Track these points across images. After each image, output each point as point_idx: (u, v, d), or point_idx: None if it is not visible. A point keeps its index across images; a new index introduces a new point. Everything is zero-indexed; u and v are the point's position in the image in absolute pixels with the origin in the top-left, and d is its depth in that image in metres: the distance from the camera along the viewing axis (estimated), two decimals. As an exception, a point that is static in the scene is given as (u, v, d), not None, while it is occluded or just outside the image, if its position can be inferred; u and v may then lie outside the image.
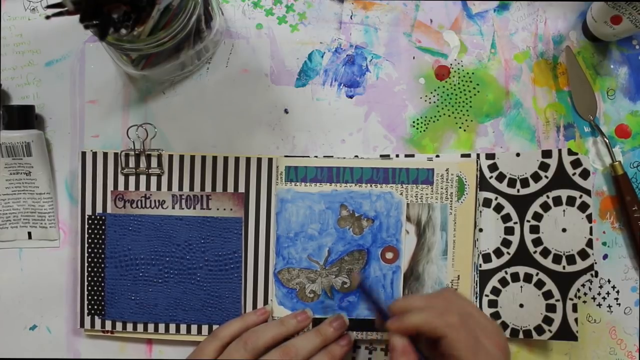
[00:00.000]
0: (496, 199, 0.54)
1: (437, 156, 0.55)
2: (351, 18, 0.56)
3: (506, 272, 0.54)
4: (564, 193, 0.53)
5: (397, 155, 0.55)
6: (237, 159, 0.54)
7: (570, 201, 0.53)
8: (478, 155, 0.55)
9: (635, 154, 0.56)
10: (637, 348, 0.56)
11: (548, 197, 0.53)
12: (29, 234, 0.56)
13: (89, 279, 0.54)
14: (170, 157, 0.54)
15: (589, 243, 0.52)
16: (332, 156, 0.55)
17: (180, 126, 0.56)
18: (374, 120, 0.56)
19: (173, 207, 0.54)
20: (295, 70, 0.56)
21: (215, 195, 0.54)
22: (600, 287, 0.56)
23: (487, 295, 0.54)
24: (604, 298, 0.56)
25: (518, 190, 0.54)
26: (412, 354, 0.41)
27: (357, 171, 0.54)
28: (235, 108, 0.56)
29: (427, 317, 0.42)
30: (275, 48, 0.56)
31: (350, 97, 0.56)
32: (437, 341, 0.41)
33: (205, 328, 0.54)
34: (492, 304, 0.54)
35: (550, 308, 0.53)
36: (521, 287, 0.54)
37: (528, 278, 0.54)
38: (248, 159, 0.54)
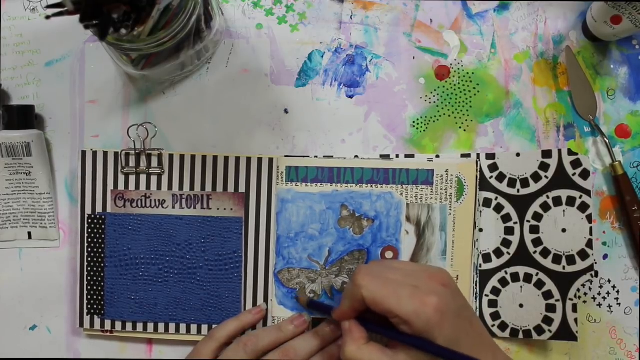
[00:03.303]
0: (496, 199, 0.54)
1: (437, 156, 0.55)
2: (351, 18, 0.56)
3: (506, 272, 0.54)
4: (564, 193, 0.53)
5: (397, 156, 0.55)
6: (237, 159, 0.54)
7: (570, 201, 0.53)
8: (478, 155, 0.55)
9: (635, 154, 0.56)
10: (637, 348, 0.56)
11: (548, 197, 0.53)
12: (29, 234, 0.56)
13: (89, 278, 0.54)
14: (171, 156, 0.54)
15: (589, 243, 0.52)
16: (332, 156, 0.55)
17: (180, 126, 0.56)
18: (374, 120, 0.56)
19: (173, 207, 0.54)
20: (295, 70, 0.56)
21: (215, 195, 0.54)
22: (601, 287, 0.56)
23: (487, 295, 0.54)
24: (604, 298, 0.56)
25: (518, 190, 0.54)
26: (359, 328, 0.45)
27: (357, 172, 0.54)
28: (235, 108, 0.56)
29: (344, 293, 0.46)
30: (275, 48, 0.56)
31: (350, 97, 0.56)
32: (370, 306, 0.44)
33: (205, 328, 0.54)
34: (492, 304, 0.54)
35: (550, 308, 0.53)
36: (521, 287, 0.54)
37: (528, 278, 0.54)
38: (248, 159, 0.54)
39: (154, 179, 0.54)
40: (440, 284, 0.43)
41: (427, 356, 0.41)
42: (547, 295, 0.53)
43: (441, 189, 0.53)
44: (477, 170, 0.54)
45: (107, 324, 0.55)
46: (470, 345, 0.41)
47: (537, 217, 0.54)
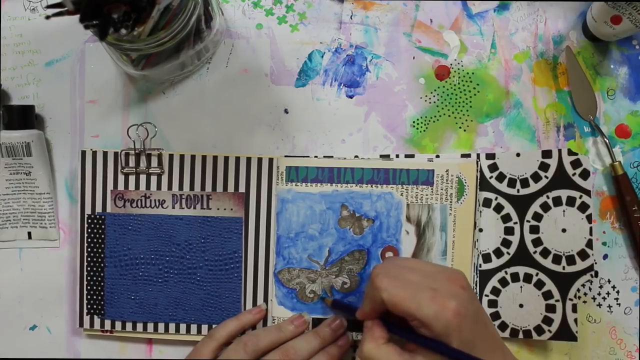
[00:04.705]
0: (496, 199, 0.54)
1: (437, 156, 0.55)
2: (351, 18, 0.56)
3: (506, 272, 0.54)
4: (563, 193, 0.53)
5: (397, 156, 0.55)
6: (237, 159, 0.54)
7: (570, 201, 0.53)
8: (478, 155, 0.55)
9: (635, 154, 0.56)
10: (637, 348, 0.56)
11: (548, 197, 0.53)
12: (29, 234, 0.56)
13: (89, 278, 0.54)
14: (171, 156, 0.54)
15: (589, 243, 0.52)
16: (332, 156, 0.55)
17: (180, 126, 0.56)
18: (374, 120, 0.56)
19: (173, 207, 0.54)
20: (295, 70, 0.56)
21: (215, 195, 0.54)
22: (600, 287, 0.56)
23: (487, 295, 0.54)
24: (604, 298, 0.56)
25: (518, 191, 0.54)
26: (380, 328, 0.45)
27: (358, 172, 0.54)
28: (235, 108, 0.56)
29: (365, 294, 0.47)
30: (275, 48, 0.56)
31: (350, 97, 0.56)
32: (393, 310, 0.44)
33: (205, 328, 0.54)
34: (492, 304, 0.54)
35: (550, 308, 0.53)
36: (521, 287, 0.54)
37: (528, 278, 0.54)
38: (248, 159, 0.54)
39: (153, 179, 0.54)
40: (459, 286, 0.43)
41: (444, 359, 0.42)
42: (547, 295, 0.53)
43: (441, 189, 0.53)
44: (477, 170, 0.54)
45: (107, 324, 0.55)
46: (484, 349, 0.42)
47: (537, 217, 0.54)
